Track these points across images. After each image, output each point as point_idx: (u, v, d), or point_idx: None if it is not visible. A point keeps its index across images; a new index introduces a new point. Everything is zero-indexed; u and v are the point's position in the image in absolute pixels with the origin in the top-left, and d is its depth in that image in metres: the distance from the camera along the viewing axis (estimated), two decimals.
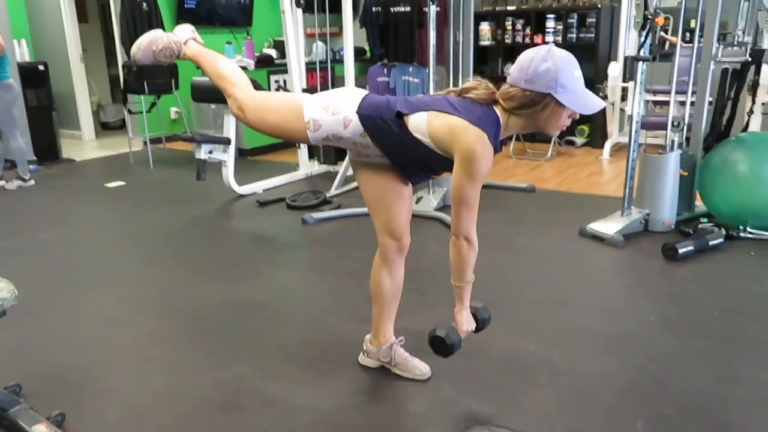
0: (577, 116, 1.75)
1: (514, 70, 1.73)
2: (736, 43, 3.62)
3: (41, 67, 6.13)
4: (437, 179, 4.14)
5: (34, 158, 5.86)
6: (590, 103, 1.72)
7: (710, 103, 3.73)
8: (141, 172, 5.78)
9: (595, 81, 6.24)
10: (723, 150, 3.64)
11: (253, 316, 2.74)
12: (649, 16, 3.11)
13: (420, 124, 1.80)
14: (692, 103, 3.75)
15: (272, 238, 3.88)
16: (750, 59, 3.63)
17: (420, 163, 1.90)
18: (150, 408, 2.07)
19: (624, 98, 5.87)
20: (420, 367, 2.19)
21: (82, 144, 7.35)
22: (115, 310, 2.86)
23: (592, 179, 5.09)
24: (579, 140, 6.49)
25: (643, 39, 3.19)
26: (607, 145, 5.94)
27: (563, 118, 1.73)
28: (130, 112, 6.27)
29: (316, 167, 5.48)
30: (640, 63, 3.36)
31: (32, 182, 5.20)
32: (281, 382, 2.20)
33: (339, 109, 1.86)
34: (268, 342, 2.50)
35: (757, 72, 4.30)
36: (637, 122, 3.52)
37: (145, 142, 6.12)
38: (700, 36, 3.63)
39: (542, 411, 1.99)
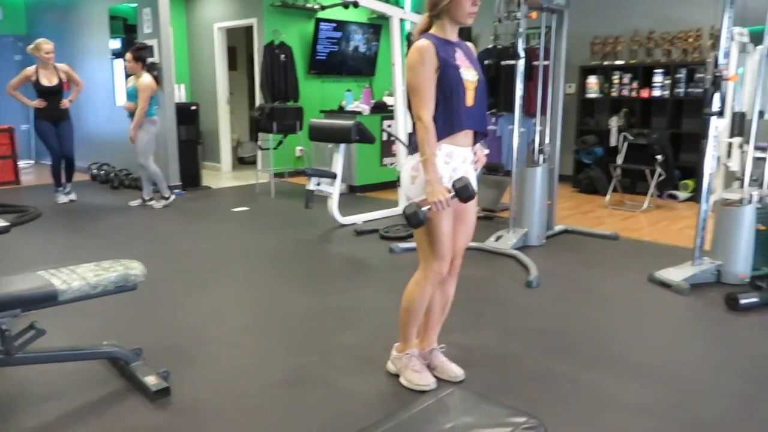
0: (479, 2, 2.20)
1: None
2: None
3: (193, 107, 7.23)
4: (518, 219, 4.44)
5: (180, 184, 6.89)
6: None
7: None
8: (263, 200, 6.60)
9: (701, 136, 6.21)
10: None
11: (329, 321, 3.22)
12: (717, 74, 3.28)
13: None
14: None
15: (360, 261, 4.37)
16: None
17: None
18: (233, 377, 2.60)
19: (729, 154, 5.79)
20: (455, 370, 2.53)
21: (221, 175, 8.42)
22: (220, 305, 3.48)
23: (684, 232, 5.09)
24: (682, 195, 6.42)
25: (710, 95, 3.36)
26: (710, 200, 5.83)
27: (467, 6, 2.20)
28: (260, 148, 7.19)
29: None
30: (712, 118, 3.52)
31: (173, 197, 6.15)
32: (339, 370, 2.64)
33: (402, 164, 2.37)
34: (336, 341, 2.96)
35: None
36: (710, 174, 3.64)
37: (270, 175, 6.97)
38: None
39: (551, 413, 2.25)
